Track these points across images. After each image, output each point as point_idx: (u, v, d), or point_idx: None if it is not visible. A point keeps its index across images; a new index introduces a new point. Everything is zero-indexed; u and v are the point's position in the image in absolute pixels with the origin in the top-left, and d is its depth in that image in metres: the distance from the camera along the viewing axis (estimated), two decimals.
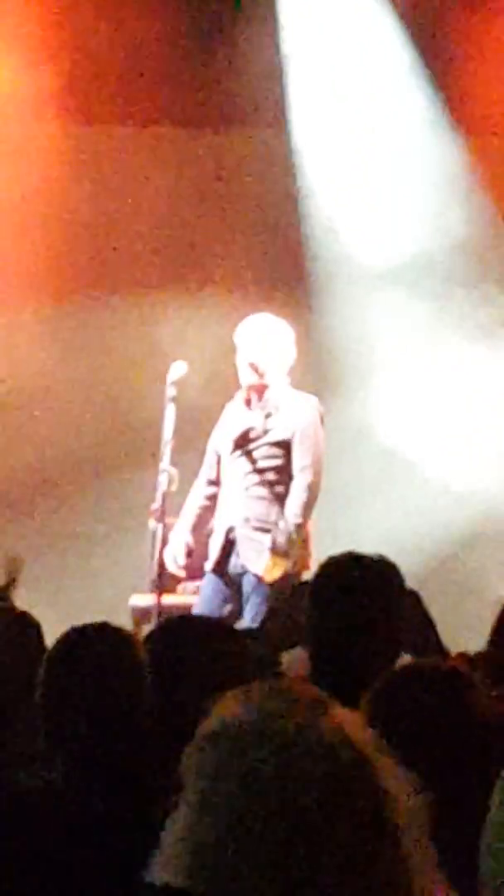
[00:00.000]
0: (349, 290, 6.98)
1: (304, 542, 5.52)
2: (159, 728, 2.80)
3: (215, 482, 5.59)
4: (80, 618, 3.05)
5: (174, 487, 5.31)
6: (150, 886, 1.54)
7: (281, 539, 5.45)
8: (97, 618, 3.04)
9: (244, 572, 5.42)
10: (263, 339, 5.49)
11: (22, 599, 4.37)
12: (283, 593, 4.50)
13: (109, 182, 6.91)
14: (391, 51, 7.12)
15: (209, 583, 5.52)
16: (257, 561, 5.39)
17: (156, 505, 5.31)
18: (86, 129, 7.04)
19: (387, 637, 3.14)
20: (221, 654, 3.02)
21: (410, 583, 3.84)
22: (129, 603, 5.60)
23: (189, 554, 5.56)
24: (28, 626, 3.54)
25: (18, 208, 6.70)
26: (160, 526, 5.29)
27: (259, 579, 5.38)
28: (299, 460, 5.48)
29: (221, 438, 5.53)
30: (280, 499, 5.49)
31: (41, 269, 6.78)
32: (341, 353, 7.03)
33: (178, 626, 3.41)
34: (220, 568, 5.45)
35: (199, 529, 5.62)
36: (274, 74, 7.09)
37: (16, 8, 6.73)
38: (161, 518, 5.27)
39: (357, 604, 3.16)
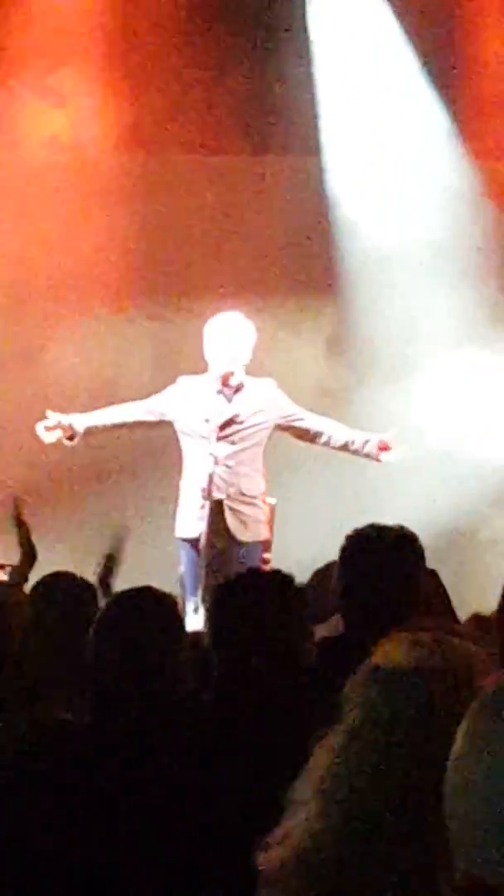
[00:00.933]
0: (379, 296, 7.48)
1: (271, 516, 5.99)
2: (221, 682, 2.84)
3: (143, 424, 6.01)
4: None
5: (220, 468, 5.71)
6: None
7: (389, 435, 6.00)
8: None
9: (231, 540, 5.85)
10: (244, 335, 5.96)
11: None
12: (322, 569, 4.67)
13: (166, 203, 7.50)
14: (413, 87, 7.65)
15: (192, 551, 5.88)
16: (246, 531, 5.87)
17: (203, 484, 5.67)
18: (144, 156, 7.67)
19: (408, 600, 3.22)
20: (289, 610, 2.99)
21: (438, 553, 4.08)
22: (178, 571, 5.98)
23: (71, 437, 5.90)
24: (86, 591, 3.72)
25: (95, 229, 7.33)
26: (207, 503, 5.67)
27: (246, 546, 5.86)
28: (303, 415, 6.03)
29: (198, 419, 5.88)
30: (260, 472, 5.98)
31: (114, 280, 7.41)
32: (373, 351, 7.60)
33: (250, 580, 3.36)
34: (208, 537, 5.79)
35: (106, 433, 6.04)
36: (309, 109, 7.66)
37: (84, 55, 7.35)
38: (208, 496, 5.65)
39: (382, 570, 3.26)
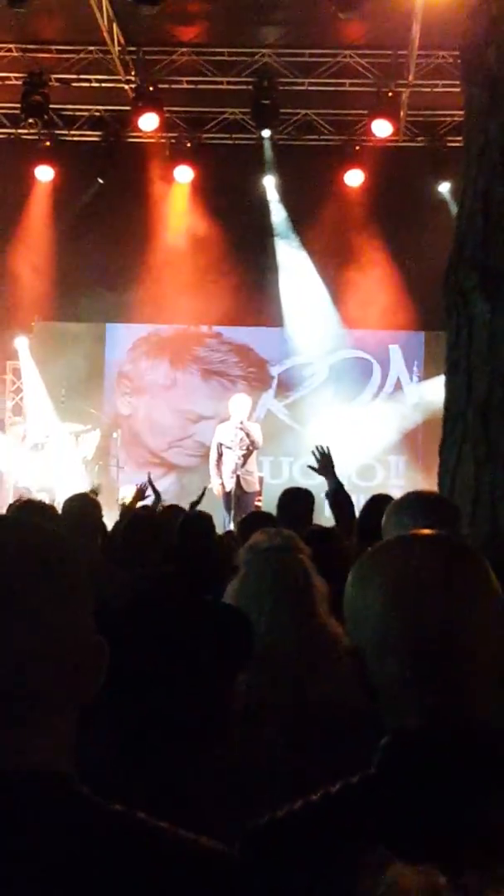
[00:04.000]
0: (308, 390, 14.78)
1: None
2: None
3: (220, 456, 11.76)
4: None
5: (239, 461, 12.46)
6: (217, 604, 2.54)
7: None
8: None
9: (243, 492, 11.55)
10: (245, 402, 12.06)
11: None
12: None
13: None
14: (319, 291, 14.64)
15: (228, 496, 11.52)
16: (249, 487, 11.72)
17: (232, 468, 12.24)
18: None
19: (304, 517, 5.68)
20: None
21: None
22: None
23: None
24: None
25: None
26: (235, 475, 12.17)
27: (249, 494, 11.64)
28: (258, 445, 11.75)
29: (226, 440, 11.56)
30: (255, 462, 11.68)
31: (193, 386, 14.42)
32: (306, 413, 14.62)
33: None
34: (234, 490, 11.44)
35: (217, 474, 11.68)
36: (278, 304, 14.65)
37: None
38: (234, 473, 12.26)
39: (297, 499, 5.96)
